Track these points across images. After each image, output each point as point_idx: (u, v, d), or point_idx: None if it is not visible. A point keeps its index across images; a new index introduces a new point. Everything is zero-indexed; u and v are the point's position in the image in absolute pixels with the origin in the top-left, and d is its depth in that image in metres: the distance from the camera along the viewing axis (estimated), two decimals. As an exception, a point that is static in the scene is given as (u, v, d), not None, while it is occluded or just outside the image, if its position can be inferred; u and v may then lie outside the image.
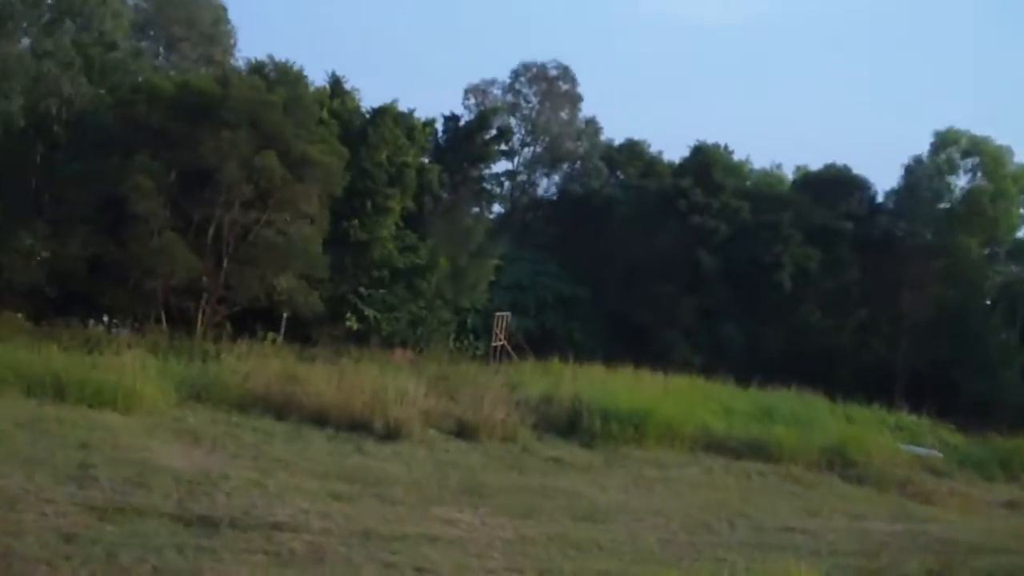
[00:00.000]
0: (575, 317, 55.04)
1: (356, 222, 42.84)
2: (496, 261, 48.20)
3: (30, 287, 37.96)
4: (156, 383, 25.45)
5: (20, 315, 36.62)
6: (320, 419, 26.54)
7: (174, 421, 24.07)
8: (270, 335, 41.26)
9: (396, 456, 24.08)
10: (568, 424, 30.57)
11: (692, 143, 58.09)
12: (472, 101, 60.10)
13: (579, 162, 60.73)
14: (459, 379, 35.71)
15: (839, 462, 31.23)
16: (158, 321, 39.71)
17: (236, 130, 37.52)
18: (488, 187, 53.56)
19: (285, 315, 42.49)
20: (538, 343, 51.78)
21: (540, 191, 62.34)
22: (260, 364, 30.41)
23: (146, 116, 38.03)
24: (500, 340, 47.78)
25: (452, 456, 25.18)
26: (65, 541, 14.66)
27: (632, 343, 51.93)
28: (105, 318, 39.30)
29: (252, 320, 41.51)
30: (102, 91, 39.69)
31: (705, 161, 55.28)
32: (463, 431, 27.91)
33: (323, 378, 29.64)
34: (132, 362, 26.94)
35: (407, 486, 21.14)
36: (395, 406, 26.97)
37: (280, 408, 27.12)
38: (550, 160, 60.92)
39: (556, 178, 62.10)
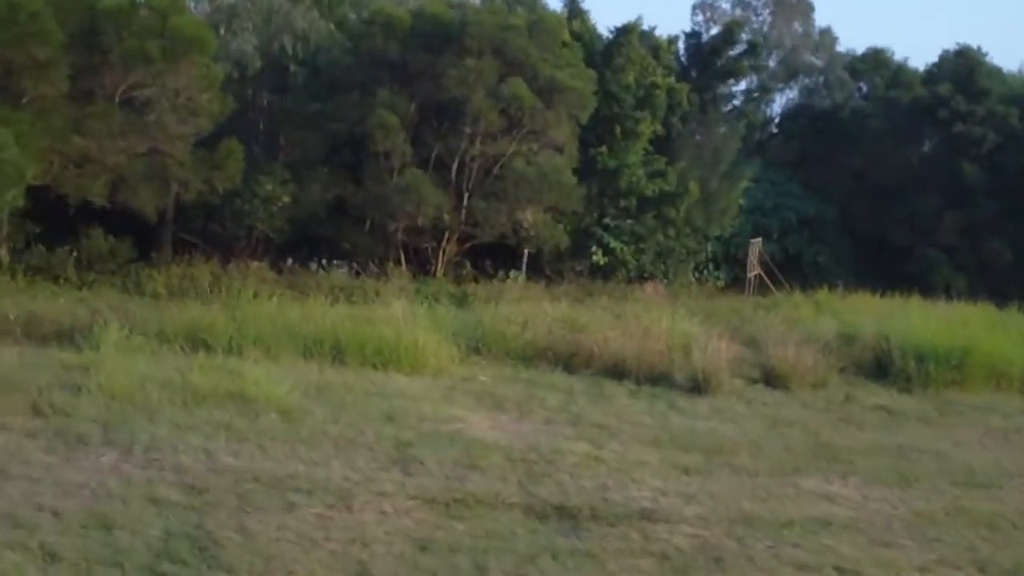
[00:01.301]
0: (820, 240, 50.99)
1: (604, 149, 39.78)
2: (747, 183, 44.67)
3: (269, 234, 36.30)
4: (435, 337, 23.19)
5: (260, 264, 34.85)
6: (615, 371, 23.97)
7: (464, 381, 21.76)
8: (512, 273, 39.06)
9: (717, 414, 21.29)
10: (875, 366, 27.30)
11: (941, 48, 52.90)
12: (700, 17, 56.40)
13: (818, 75, 56.19)
14: (731, 316, 32.91)
15: None
16: (397, 263, 37.71)
17: (480, 58, 34.89)
18: (738, 104, 49.55)
19: (527, 252, 39.96)
20: (781, 269, 48.44)
21: (776, 108, 58.12)
22: (535, 310, 28.05)
23: (383, 49, 35.68)
24: (755, 269, 44.32)
25: (774, 411, 22.27)
26: (420, 550, 12.35)
27: (883, 266, 48.30)
28: (329, 261, 37.42)
29: (485, 258, 39.31)
30: (331, 25, 37.47)
31: (967, 65, 50.17)
32: (769, 379, 24.96)
33: (606, 324, 27.17)
34: (403, 313, 24.86)
35: (751, 452, 18.38)
36: (698, 354, 24.15)
37: (567, 360, 24.67)
38: (786, 75, 56.53)
39: (790, 94, 57.73)
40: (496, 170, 36.65)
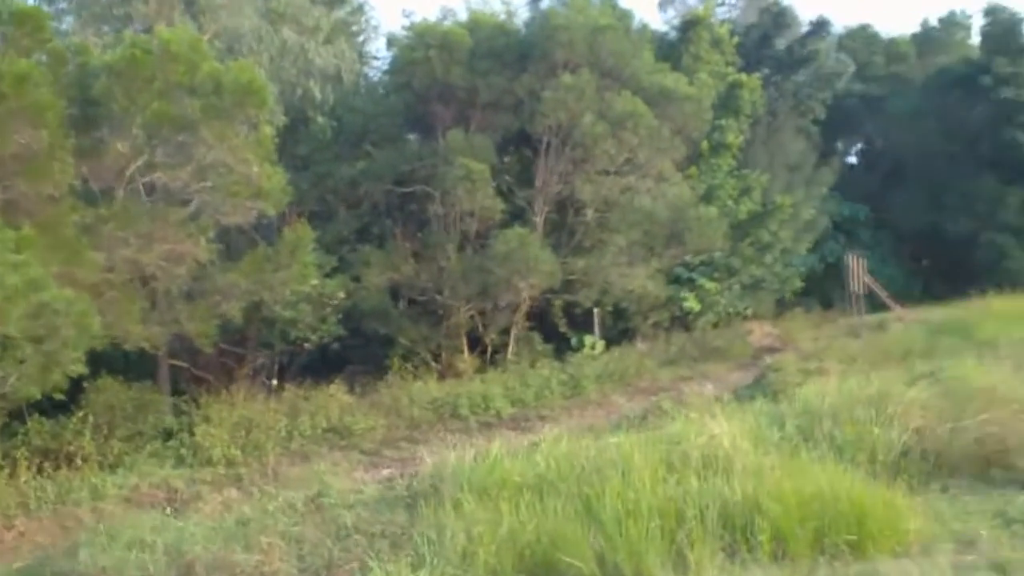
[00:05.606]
0: (858, 243, 44.33)
1: (693, 169, 31.82)
2: (824, 189, 37.49)
3: (323, 346, 27.21)
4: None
5: (333, 387, 25.60)
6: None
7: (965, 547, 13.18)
8: (587, 339, 30.97)
9: None
10: None
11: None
12: (672, 13, 49.40)
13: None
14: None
15: None
16: (458, 351, 29.16)
17: (577, 71, 26.63)
18: (807, 98, 41.92)
19: (597, 310, 31.70)
20: (821, 282, 41.91)
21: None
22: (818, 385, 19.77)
23: (444, 77, 26.98)
24: (859, 287, 36.92)
25: None
26: None
27: (942, 260, 42.19)
28: (376, 366, 28.50)
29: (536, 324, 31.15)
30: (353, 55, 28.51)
31: (1006, 23, 44.12)
32: None
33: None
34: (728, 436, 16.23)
35: None
36: None
37: (976, 464, 16.22)
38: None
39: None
40: (590, 213, 28.45)
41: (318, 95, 26.72)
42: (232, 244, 24.45)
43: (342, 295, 26.18)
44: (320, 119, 27.11)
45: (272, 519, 15.63)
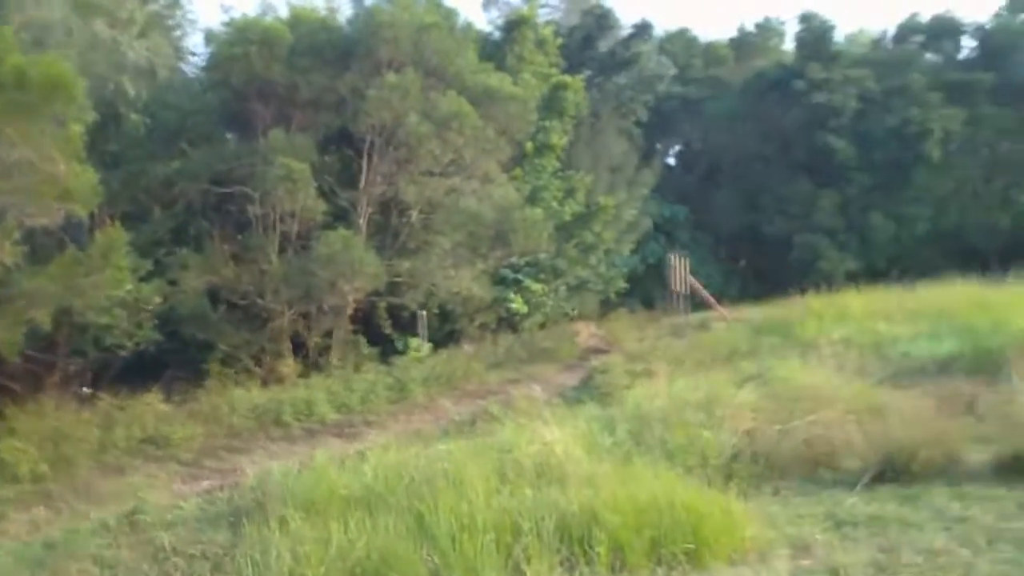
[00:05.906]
0: (678, 244, 45.05)
1: (517, 171, 31.70)
2: (646, 190, 37.84)
3: (139, 352, 25.96)
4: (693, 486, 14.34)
5: (152, 397, 24.39)
6: (892, 470, 15.73)
7: (804, 550, 13.15)
8: (413, 342, 30.51)
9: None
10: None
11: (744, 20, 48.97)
12: (495, 14, 49.24)
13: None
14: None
15: None
16: (282, 356, 28.35)
17: (402, 71, 26.13)
18: (629, 100, 42.12)
19: (423, 313, 31.26)
20: (643, 282, 42.36)
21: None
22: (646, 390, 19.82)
23: (264, 74, 26.14)
24: (682, 287, 37.33)
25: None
26: None
27: (758, 260, 43.28)
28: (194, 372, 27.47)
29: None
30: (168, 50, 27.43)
31: (818, 30, 45.43)
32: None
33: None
34: (561, 443, 15.95)
35: None
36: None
37: (800, 464, 16.25)
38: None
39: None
40: (414, 214, 28.04)
41: (131, 91, 25.51)
42: (39, 247, 23.01)
43: (158, 300, 25.00)
44: (133, 116, 25.95)
45: (83, 541, 14.77)
